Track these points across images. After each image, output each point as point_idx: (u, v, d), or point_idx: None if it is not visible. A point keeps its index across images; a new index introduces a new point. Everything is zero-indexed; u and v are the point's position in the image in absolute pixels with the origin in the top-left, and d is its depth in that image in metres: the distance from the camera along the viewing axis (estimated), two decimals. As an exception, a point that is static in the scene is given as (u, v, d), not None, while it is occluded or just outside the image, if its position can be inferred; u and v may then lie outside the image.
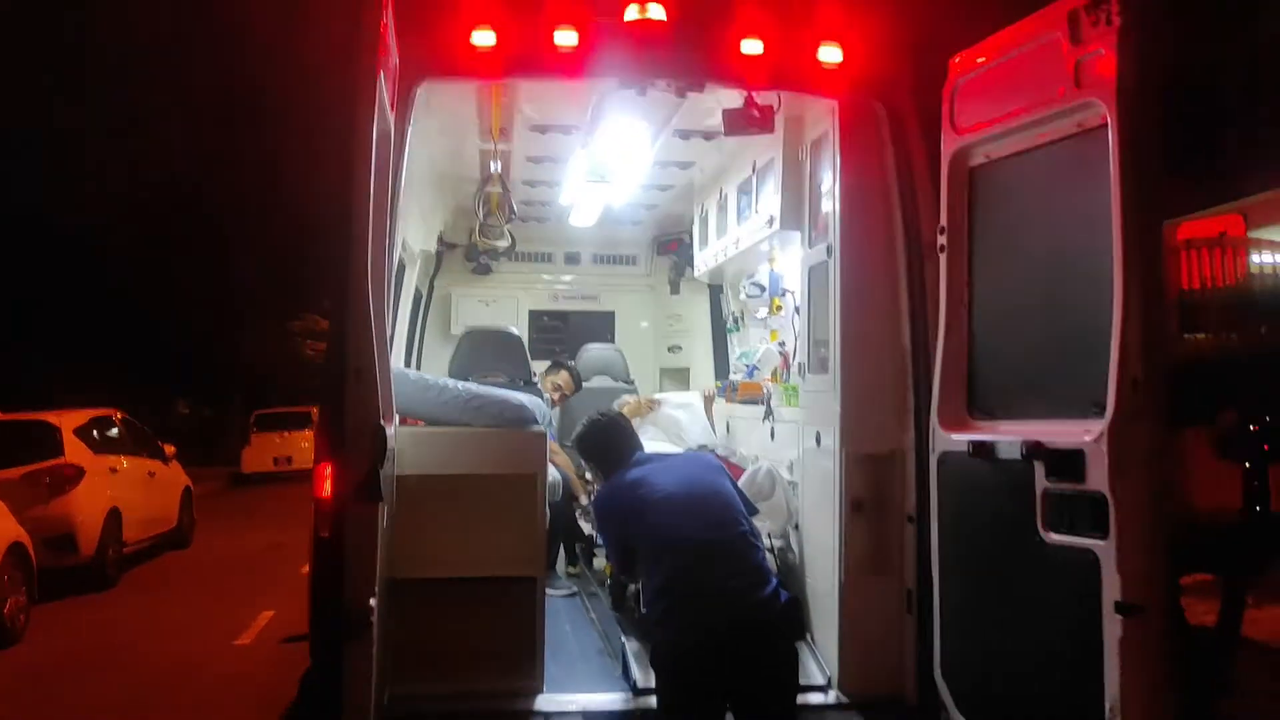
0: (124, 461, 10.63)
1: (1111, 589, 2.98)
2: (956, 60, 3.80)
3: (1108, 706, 3.00)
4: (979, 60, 3.71)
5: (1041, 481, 3.27)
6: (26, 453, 9.49)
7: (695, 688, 3.39)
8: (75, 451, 9.72)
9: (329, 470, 2.95)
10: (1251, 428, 5.02)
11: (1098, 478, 3.07)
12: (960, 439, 3.65)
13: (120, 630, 8.25)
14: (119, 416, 11.34)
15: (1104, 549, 3.02)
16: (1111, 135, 3.10)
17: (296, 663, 6.91)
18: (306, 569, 10.22)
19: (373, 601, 3.00)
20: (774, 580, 3.62)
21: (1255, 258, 9.39)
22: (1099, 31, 3.16)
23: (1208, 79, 9.51)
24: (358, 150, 2.99)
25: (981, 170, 3.74)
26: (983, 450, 3.53)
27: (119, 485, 10.23)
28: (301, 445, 21.87)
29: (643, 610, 4.05)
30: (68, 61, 20.48)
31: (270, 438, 21.81)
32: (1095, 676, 3.05)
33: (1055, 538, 3.22)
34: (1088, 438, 3.10)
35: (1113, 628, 2.98)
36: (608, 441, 3.99)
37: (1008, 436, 3.45)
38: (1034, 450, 3.29)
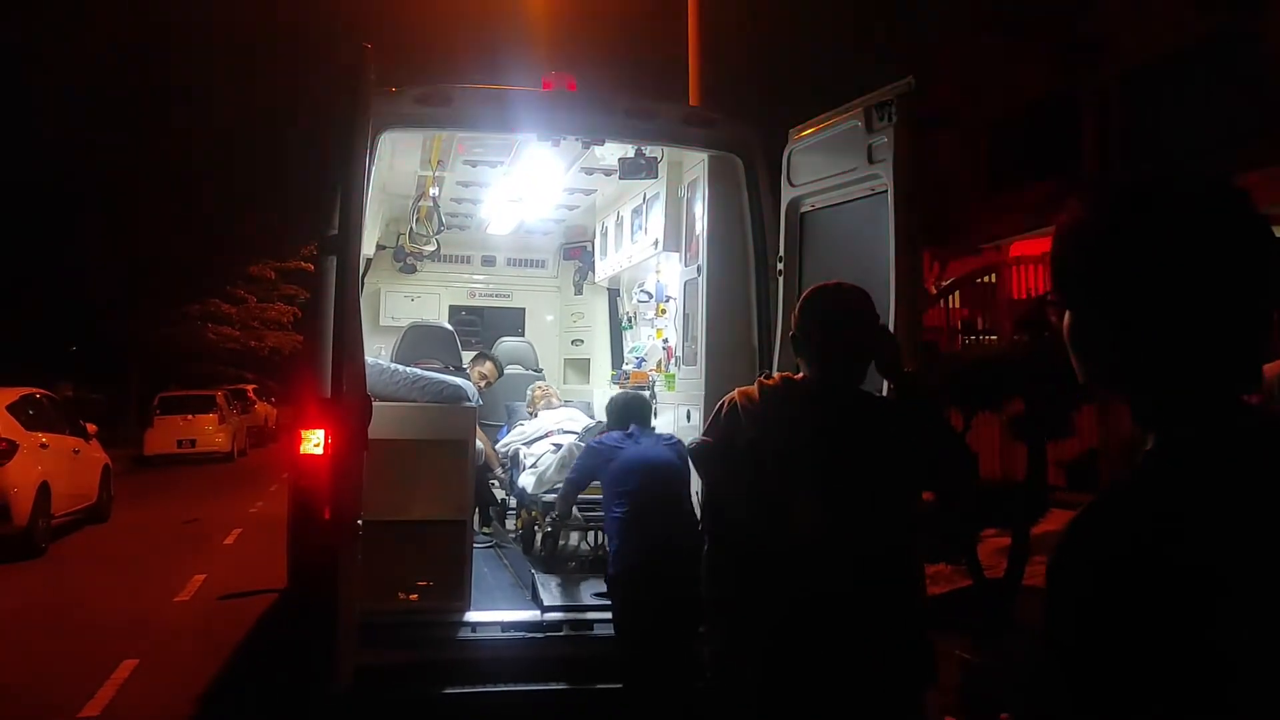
0: (51, 438, 10.91)
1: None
2: (792, 131, 4.86)
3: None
4: (807, 133, 4.75)
5: (840, 445, 4.47)
6: (-37, 428, 9.82)
7: (639, 593, 4.43)
8: (8, 427, 10.06)
9: (326, 431, 3.86)
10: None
11: (874, 441, 4.30)
12: (788, 415, 4.83)
13: (62, 591, 8.65)
14: (43, 395, 11.59)
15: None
16: (890, 197, 4.17)
17: (238, 616, 7.82)
18: (230, 540, 11.28)
19: (359, 521, 3.95)
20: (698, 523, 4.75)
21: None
22: (883, 126, 4.22)
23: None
24: (352, 190, 3.83)
25: (808, 215, 4.79)
26: (803, 423, 4.73)
27: (47, 460, 10.54)
28: (205, 428, 21.95)
29: (604, 546, 5.00)
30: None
31: (174, 420, 21.73)
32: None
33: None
34: (870, 412, 4.33)
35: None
36: (622, 408, 4.98)
37: (820, 412, 4.65)
38: (835, 422, 4.52)
